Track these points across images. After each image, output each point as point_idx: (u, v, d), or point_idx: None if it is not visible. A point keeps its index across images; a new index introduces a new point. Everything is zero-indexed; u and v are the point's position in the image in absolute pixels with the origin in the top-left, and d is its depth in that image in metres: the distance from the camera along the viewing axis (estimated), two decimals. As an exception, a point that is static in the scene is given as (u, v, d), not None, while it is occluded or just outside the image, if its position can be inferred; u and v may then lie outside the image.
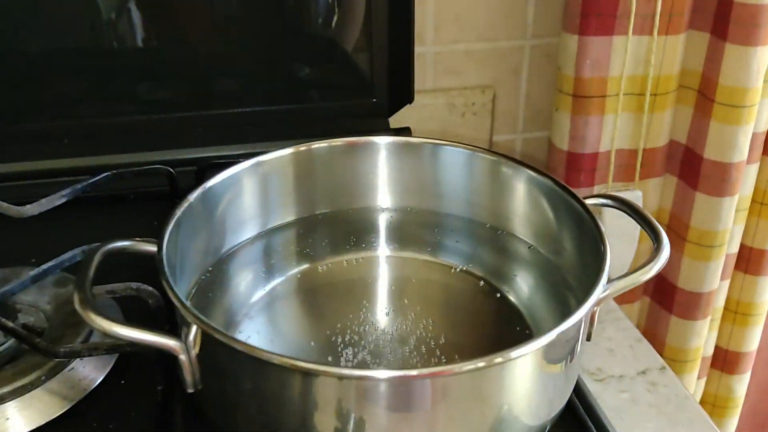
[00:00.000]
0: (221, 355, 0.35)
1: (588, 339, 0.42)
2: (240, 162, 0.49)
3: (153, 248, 0.40)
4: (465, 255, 0.53)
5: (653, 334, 0.86)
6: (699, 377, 0.90)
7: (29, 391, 0.47)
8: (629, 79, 0.73)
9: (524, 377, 0.37)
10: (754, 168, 0.79)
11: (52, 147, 0.72)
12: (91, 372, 0.50)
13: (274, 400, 0.35)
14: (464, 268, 0.52)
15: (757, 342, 0.91)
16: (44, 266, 0.54)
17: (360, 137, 0.53)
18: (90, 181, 0.64)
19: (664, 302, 0.83)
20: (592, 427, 0.47)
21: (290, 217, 0.54)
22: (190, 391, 0.38)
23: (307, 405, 0.34)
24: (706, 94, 0.73)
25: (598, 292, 0.39)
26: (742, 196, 0.79)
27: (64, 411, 0.48)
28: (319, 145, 0.53)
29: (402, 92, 0.77)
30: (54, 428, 0.47)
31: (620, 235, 0.76)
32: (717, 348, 0.91)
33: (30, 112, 0.72)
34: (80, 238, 0.59)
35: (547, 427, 0.42)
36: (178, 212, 0.43)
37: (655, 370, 0.57)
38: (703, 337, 0.84)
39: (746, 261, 0.85)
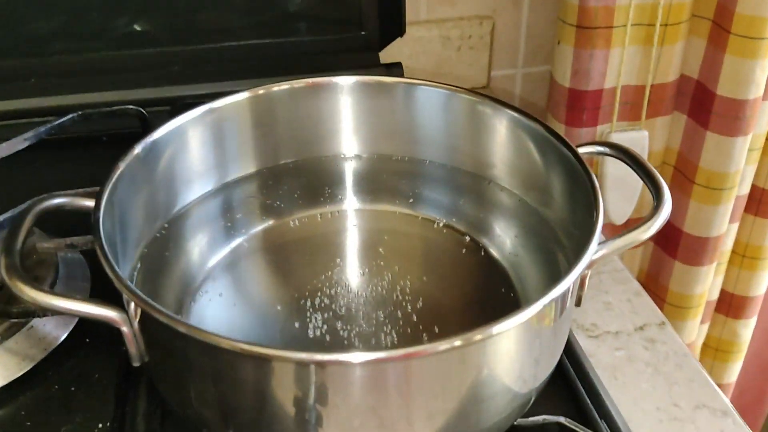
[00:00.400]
0: (164, 334, 0.32)
1: (577, 304, 0.38)
2: (191, 109, 0.44)
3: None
4: (447, 207, 0.49)
5: (656, 279, 0.83)
6: (702, 322, 0.88)
7: (-15, 351, 0.44)
8: (638, 7, 0.67)
9: (504, 350, 0.33)
10: (769, 105, 0.73)
11: (18, 86, 0.68)
12: (52, 330, 0.48)
13: (225, 381, 0.31)
14: (447, 223, 0.48)
15: (764, 286, 0.88)
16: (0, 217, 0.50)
17: (324, 77, 0.48)
18: (55, 122, 0.61)
19: (668, 247, 0.80)
20: (582, 388, 0.44)
21: (251, 169, 0.50)
22: (136, 364, 0.35)
23: (263, 388, 0.31)
24: (721, 25, 0.67)
25: (589, 255, 0.35)
26: (756, 134, 0.74)
27: (24, 372, 0.46)
28: (279, 87, 0.47)
29: (393, 24, 0.71)
30: (14, 390, 0.45)
31: (622, 180, 0.72)
32: (723, 292, 0.88)
33: (-5, 48, 0.68)
34: (46, 184, 0.56)
35: (533, 397, 0.39)
36: (122, 166, 0.39)
37: (654, 325, 0.54)
38: (708, 282, 0.81)
39: (757, 203, 0.81)
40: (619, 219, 0.77)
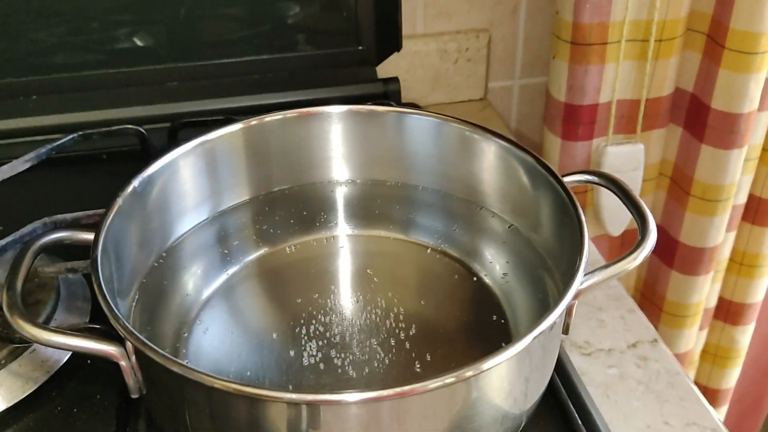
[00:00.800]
0: (160, 371, 0.32)
1: (565, 332, 0.39)
2: (184, 144, 0.45)
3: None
4: (440, 233, 0.50)
5: (653, 289, 0.83)
6: (701, 329, 0.88)
7: (-10, 374, 0.45)
8: (632, 23, 0.68)
9: (493, 381, 0.34)
10: (765, 115, 0.74)
11: (20, 104, 0.69)
12: (55, 352, 0.49)
13: (220, 417, 0.32)
14: (439, 248, 0.49)
15: (762, 293, 0.88)
16: (2, 241, 0.51)
17: (317, 107, 0.49)
18: (55, 144, 0.62)
19: (665, 257, 0.80)
20: (573, 409, 0.45)
21: (245, 197, 0.50)
22: (134, 396, 0.35)
23: (257, 424, 0.31)
24: (715, 39, 0.67)
25: (575, 288, 0.35)
26: (752, 144, 0.75)
27: (27, 394, 0.46)
28: (271, 118, 0.48)
29: (390, 39, 0.72)
30: (18, 412, 0.45)
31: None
32: (721, 299, 0.88)
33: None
34: (48, 203, 0.57)
35: (524, 422, 0.39)
36: (119, 202, 0.40)
37: (647, 343, 0.54)
38: (706, 292, 0.81)
39: (754, 211, 0.82)
40: (616, 231, 0.77)
